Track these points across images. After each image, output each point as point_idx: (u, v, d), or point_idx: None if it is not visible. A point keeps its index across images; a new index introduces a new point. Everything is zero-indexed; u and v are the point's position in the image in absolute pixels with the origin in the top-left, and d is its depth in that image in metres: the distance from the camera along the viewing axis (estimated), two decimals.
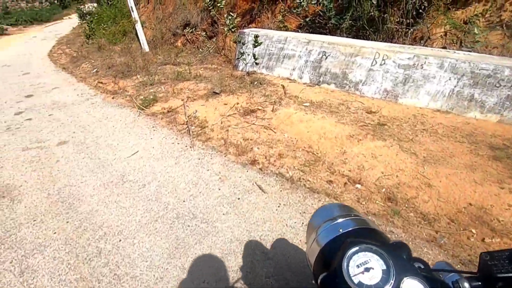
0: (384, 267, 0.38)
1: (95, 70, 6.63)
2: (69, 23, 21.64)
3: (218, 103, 4.07)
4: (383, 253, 0.39)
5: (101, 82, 5.75)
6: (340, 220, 0.50)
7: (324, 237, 0.48)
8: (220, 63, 6.50)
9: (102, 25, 10.86)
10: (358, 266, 0.39)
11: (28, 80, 6.31)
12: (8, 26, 17.91)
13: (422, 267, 0.41)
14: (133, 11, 8.86)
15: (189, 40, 8.34)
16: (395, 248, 0.42)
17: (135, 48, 8.61)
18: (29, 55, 9.78)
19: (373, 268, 0.38)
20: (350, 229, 0.47)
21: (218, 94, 4.31)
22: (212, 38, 7.68)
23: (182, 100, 4.27)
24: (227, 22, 6.49)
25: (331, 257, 0.43)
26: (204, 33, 7.94)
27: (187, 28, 8.44)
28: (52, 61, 8.52)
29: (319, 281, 0.42)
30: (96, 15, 14.91)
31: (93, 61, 7.67)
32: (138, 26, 8.66)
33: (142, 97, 4.60)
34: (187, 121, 3.53)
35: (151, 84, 5.09)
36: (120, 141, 3.15)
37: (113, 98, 4.63)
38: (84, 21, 20.21)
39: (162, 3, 10.25)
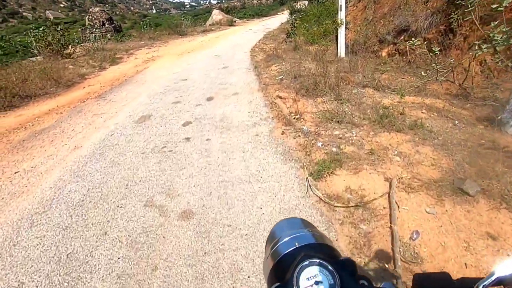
0: (332, 282, 0.39)
1: (280, 77, 5.58)
2: (281, 18, 23.29)
3: (470, 221, 1.76)
4: (332, 269, 0.40)
5: (280, 97, 4.54)
6: (297, 234, 0.49)
7: (281, 249, 0.46)
8: (449, 98, 3.84)
9: (305, 24, 9.91)
10: (308, 279, 0.39)
11: (221, 76, 6.08)
12: (237, 19, 21.13)
13: (366, 284, 0.41)
14: (341, 10, 7.15)
15: (399, 51, 5.88)
16: (343, 264, 0.42)
17: (330, 53, 7.06)
18: (238, 47, 10.34)
19: (321, 282, 0.39)
20: (306, 243, 0.46)
21: (471, 196, 1.94)
22: (437, 52, 4.93)
23: (388, 180, 2.22)
24: (496, 35, 3.58)
25: (285, 269, 0.42)
26: (427, 43, 5.22)
27: (403, 35, 5.99)
28: (250, 56, 8.40)
29: None
30: (303, 13, 14.59)
31: (283, 63, 6.75)
32: (342, 28, 6.94)
33: (320, 143, 2.90)
34: (394, 267, 1.52)
35: (338, 122, 3.31)
36: (253, 270, 1.59)
37: (283, 133, 3.21)
38: (292, 18, 21.02)
39: (377, 2, 7.97)
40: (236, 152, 2.81)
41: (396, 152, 2.62)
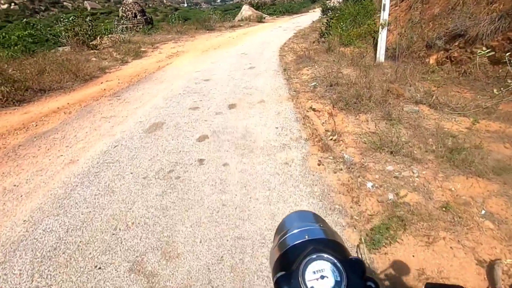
0: (338, 279, 0.38)
1: (313, 84, 4.83)
2: (312, 16, 22.28)
3: None
4: (340, 266, 0.39)
5: (314, 109, 3.81)
6: (308, 227, 0.48)
7: (291, 239, 0.45)
8: None
9: (341, 23, 8.96)
10: (314, 272, 0.39)
11: (247, 79, 5.41)
12: (266, 16, 20.30)
13: (373, 286, 0.39)
14: (384, 10, 6.22)
15: (452, 59, 4.93)
16: (352, 264, 0.41)
17: (369, 57, 6.21)
18: (266, 45, 9.62)
19: (327, 277, 0.38)
20: (316, 237, 0.45)
21: None
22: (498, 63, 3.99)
23: (483, 264, 1.46)
24: None
25: (292, 260, 0.42)
26: (490, 51, 4.36)
27: (457, 40, 5.04)
28: (279, 57, 7.67)
29: (275, 279, 0.40)
30: (338, 11, 13.56)
31: (316, 67, 5.97)
32: (384, 31, 6.03)
33: (370, 184, 2.17)
34: None
35: (391, 152, 2.53)
36: None
37: (319, 164, 2.49)
38: (324, 16, 19.95)
39: (425, 2, 6.91)
40: (259, 188, 2.14)
41: (483, 212, 1.83)
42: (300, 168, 2.40)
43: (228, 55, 7.94)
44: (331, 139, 2.99)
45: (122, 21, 15.32)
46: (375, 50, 6.13)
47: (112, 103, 4.27)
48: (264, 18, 19.13)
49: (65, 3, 40.85)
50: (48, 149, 2.88)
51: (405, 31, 6.56)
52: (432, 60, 5.40)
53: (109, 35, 10.19)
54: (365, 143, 2.80)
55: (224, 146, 2.81)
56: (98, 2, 42.40)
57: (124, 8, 19.91)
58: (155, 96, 4.52)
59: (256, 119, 3.48)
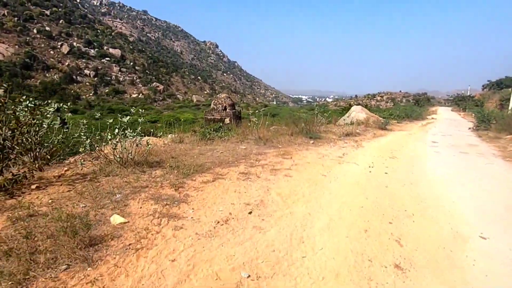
0: None
1: None
2: (444, 126, 14.26)
3: None
4: None
5: None
6: None
7: None
8: None
9: None
10: None
11: None
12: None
13: None
14: None
15: None
16: None
17: None
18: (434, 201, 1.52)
19: None
20: None
21: None
22: None
23: None
24: None
25: None
26: None
27: None
28: None
29: None
30: None
31: None
32: None
33: None
34: None
35: None
36: None
37: None
38: (479, 128, 10.83)
39: None
40: None
41: None
42: None
43: None
44: None
45: (211, 113, 12.65)
46: None
47: None
48: (387, 124, 11.82)
49: (178, 95, 44.80)
50: None
51: None
52: None
53: (113, 143, 4.13)
54: None
55: None
56: (203, 96, 45.29)
57: (216, 101, 16.61)
58: None
59: None
